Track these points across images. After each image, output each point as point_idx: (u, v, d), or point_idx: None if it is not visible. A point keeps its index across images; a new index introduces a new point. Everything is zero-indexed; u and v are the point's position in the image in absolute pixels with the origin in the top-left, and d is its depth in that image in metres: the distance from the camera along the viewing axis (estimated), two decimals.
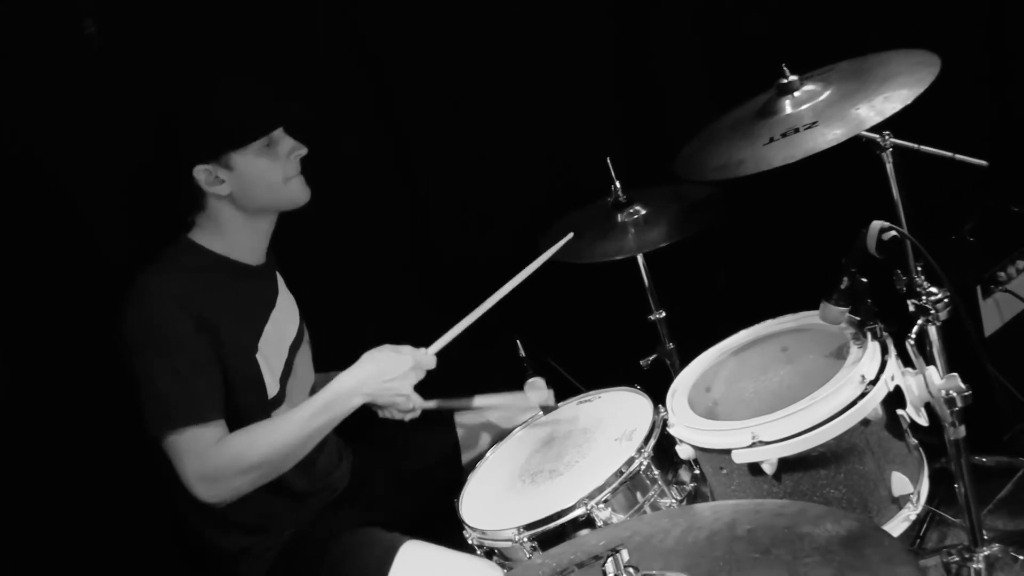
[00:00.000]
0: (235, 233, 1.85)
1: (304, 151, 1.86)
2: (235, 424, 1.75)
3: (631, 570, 1.06)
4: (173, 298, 1.72)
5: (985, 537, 1.94)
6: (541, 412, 2.13)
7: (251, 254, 1.90)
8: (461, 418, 2.20)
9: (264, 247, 1.93)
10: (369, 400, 1.81)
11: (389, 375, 1.80)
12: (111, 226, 2.03)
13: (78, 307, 1.97)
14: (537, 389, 2.09)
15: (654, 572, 1.10)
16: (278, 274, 2.03)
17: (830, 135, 1.70)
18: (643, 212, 2.25)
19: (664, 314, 2.37)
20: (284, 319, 1.97)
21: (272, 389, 1.86)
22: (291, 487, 1.87)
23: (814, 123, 1.75)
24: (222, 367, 1.76)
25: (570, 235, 2.13)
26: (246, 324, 1.85)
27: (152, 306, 1.72)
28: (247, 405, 1.80)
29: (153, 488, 1.98)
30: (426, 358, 1.87)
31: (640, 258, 2.30)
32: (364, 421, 2.16)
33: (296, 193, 1.87)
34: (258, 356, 1.84)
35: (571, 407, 2.12)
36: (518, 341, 2.12)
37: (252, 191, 1.81)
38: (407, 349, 1.85)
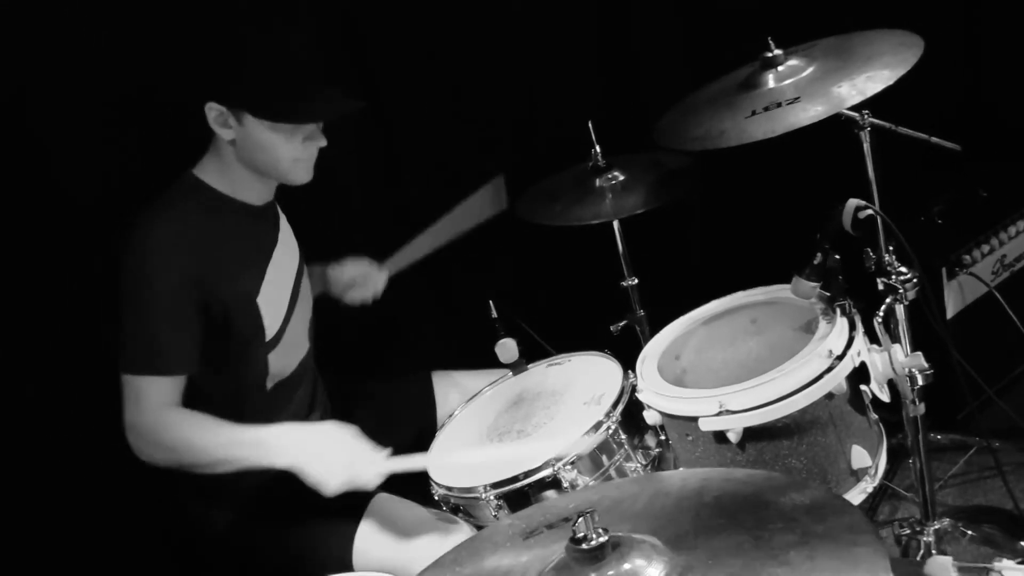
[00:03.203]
0: (238, 176, 1.81)
1: (322, 143, 1.79)
2: (229, 366, 1.77)
3: (601, 530, 1.08)
4: (170, 248, 1.69)
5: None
6: (510, 372, 2.15)
7: (256, 196, 1.86)
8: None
9: (271, 188, 1.90)
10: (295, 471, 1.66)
11: (326, 463, 1.65)
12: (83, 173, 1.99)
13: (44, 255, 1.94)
14: (508, 350, 2.10)
15: (622, 534, 1.12)
16: (278, 206, 1.98)
17: (811, 111, 1.71)
18: (621, 178, 2.26)
19: (636, 281, 2.39)
20: (286, 256, 1.95)
21: (270, 332, 1.85)
22: None
23: (796, 99, 1.76)
24: (220, 313, 1.75)
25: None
26: (249, 269, 1.83)
27: (144, 257, 1.69)
28: (243, 348, 1.80)
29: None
30: (368, 474, 1.68)
31: (616, 224, 2.32)
32: (343, 375, 2.18)
33: (297, 174, 1.81)
34: (259, 300, 1.82)
35: (541, 369, 2.14)
36: (490, 302, 2.13)
37: (254, 154, 1.76)
38: (361, 452, 1.68)
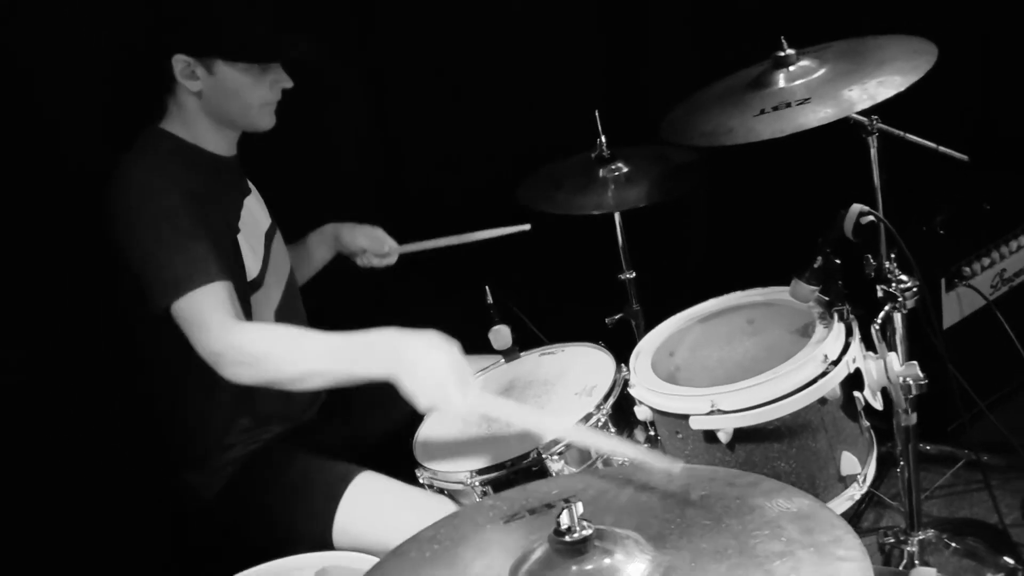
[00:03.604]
0: (202, 127, 1.82)
1: (289, 84, 1.81)
2: None
3: (584, 523, 1.07)
4: (157, 173, 1.70)
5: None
6: (503, 359, 2.13)
7: (221, 147, 1.87)
8: None
9: (234, 140, 1.90)
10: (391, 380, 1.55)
11: (423, 375, 1.53)
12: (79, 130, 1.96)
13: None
14: (501, 337, 2.09)
15: (604, 527, 1.11)
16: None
17: (821, 113, 1.70)
18: (625, 170, 2.24)
19: (634, 274, 2.37)
20: (257, 209, 1.96)
21: (252, 271, 1.85)
22: (258, 407, 1.87)
23: (806, 100, 1.75)
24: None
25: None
26: (224, 207, 1.84)
27: (138, 183, 1.69)
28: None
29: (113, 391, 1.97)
30: (460, 402, 1.54)
31: (617, 216, 2.30)
32: None
33: (263, 120, 1.83)
34: (239, 237, 1.83)
35: (533, 358, 2.12)
36: (487, 287, 2.11)
37: (223, 102, 1.78)
38: (459, 370, 1.54)
